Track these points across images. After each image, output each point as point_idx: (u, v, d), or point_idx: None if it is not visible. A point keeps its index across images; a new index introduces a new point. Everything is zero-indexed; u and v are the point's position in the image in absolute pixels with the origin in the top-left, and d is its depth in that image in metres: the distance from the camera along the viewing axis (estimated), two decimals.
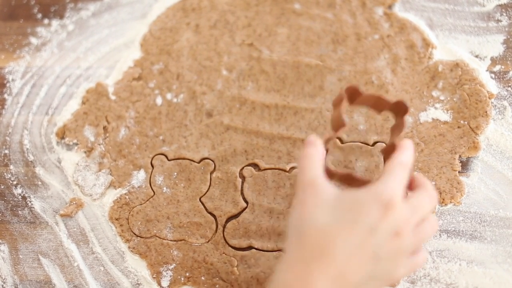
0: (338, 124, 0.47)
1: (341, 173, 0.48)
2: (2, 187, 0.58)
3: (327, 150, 0.48)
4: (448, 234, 0.53)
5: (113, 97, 0.61)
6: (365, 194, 0.42)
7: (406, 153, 0.44)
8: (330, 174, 0.47)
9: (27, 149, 0.60)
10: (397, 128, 0.49)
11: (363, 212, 0.41)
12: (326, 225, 0.41)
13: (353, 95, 0.49)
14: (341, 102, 0.47)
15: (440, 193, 0.54)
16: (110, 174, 0.57)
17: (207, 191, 0.56)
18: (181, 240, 0.54)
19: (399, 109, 0.48)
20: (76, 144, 0.59)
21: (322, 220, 0.41)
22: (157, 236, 0.55)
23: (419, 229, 0.43)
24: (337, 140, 0.57)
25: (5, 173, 0.59)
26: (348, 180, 0.48)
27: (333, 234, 0.40)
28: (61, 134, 0.60)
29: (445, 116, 0.57)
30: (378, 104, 0.49)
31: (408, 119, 0.57)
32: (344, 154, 0.56)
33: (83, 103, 0.61)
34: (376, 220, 0.40)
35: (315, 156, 0.44)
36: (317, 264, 0.39)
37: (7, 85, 0.64)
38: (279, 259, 0.41)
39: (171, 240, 0.54)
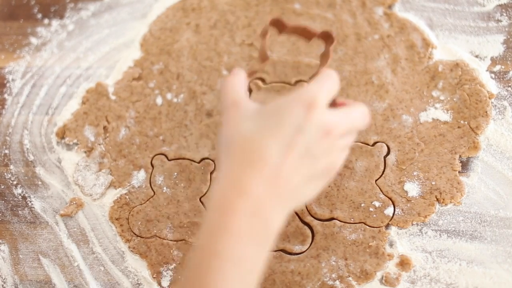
0: (262, 57, 0.50)
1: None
2: (2, 187, 0.58)
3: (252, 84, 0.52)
4: (448, 234, 0.53)
5: (113, 97, 0.61)
6: (286, 99, 0.42)
7: (331, 72, 0.45)
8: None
9: (27, 149, 0.60)
10: (325, 57, 0.51)
11: (286, 114, 0.41)
12: (252, 133, 0.41)
13: (280, 27, 0.52)
14: (266, 35, 0.50)
15: (440, 193, 0.54)
16: (110, 174, 0.57)
17: (207, 191, 0.56)
18: (181, 240, 0.54)
19: (327, 39, 0.51)
20: (76, 144, 0.59)
21: (248, 129, 0.41)
22: (157, 236, 0.55)
23: (348, 136, 0.45)
24: None
25: (5, 173, 0.59)
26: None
27: (261, 139, 0.40)
28: (61, 134, 0.60)
29: (445, 116, 0.57)
30: (306, 33, 0.52)
31: (408, 119, 0.57)
32: None
33: (83, 103, 0.61)
34: (301, 119, 0.41)
35: (236, 81, 0.45)
36: (249, 168, 0.39)
37: (7, 85, 0.64)
38: (214, 178, 0.41)
39: (171, 240, 0.54)
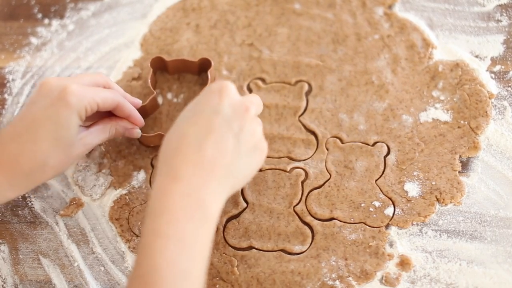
0: (149, 92, 0.59)
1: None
2: None
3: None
4: (448, 234, 0.53)
5: None
6: (200, 94, 0.48)
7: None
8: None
9: None
10: (206, 79, 0.59)
11: (202, 103, 0.46)
12: (179, 127, 0.46)
13: (162, 65, 0.60)
14: (150, 74, 0.59)
15: (440, 193, 0.54)
16: (110, 175, 0.57)
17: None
18: None
19: (206, 65, 0.59)
20: None
21: (176, 126, 0.46)
22: None
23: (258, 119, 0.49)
24: (337, 140, 0.57)
25: None
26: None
27: (185, 129, 0.45)
28: None
29: (445, 116, 0.57)
30: (188, 66, 0.60)
31: (408, 119, 0.57)
32: (344, 154, 0.56)
33: None
34: (216, 103, 0.45)
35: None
36: (178, 155, 0.44)
37: (7, 85, 0.64)
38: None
39: None
